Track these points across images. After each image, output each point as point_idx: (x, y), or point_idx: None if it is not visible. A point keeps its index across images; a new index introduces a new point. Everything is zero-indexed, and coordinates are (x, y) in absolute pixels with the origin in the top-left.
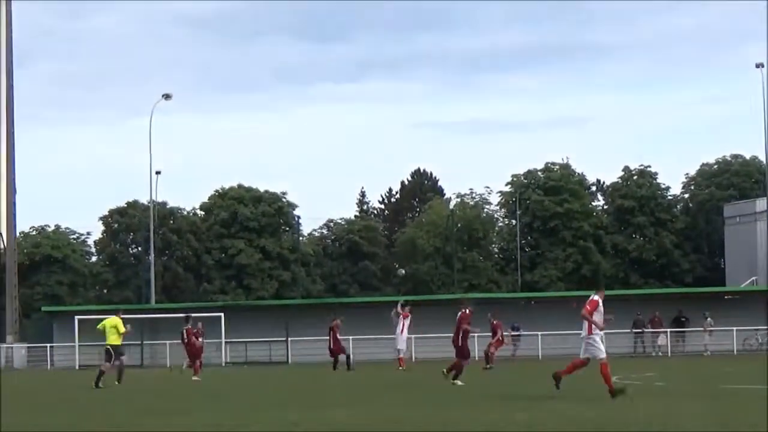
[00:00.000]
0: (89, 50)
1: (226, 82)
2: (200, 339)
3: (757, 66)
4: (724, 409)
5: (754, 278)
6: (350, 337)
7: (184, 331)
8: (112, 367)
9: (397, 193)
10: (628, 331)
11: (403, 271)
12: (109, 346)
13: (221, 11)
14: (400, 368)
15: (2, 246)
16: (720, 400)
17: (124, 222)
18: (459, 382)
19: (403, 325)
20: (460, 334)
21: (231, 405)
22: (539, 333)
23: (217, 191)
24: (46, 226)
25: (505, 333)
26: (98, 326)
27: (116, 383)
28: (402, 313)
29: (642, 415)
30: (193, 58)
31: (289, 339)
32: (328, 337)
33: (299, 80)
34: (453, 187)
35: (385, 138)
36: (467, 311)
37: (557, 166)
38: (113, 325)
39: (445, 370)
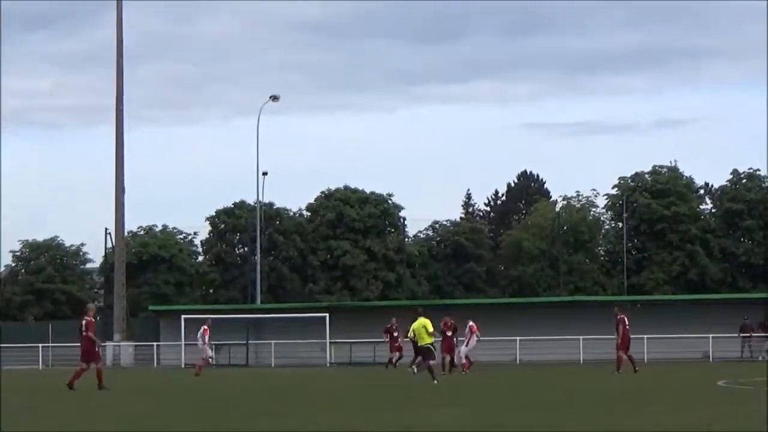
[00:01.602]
0: (197, 53)
1: (335, 83)
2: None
3: None
4: None
5: None
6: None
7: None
8: (425, 364)
9: (503, 195)
10: (736, 335)
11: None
12: (426, 345)
13: (328, 14)
14: (464, 372)
15: (111, 245)
16: None
17: (231, 222)
18: None
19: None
20: None
21: (341, 406)
22: (645, 336)
23: (323, 192)
24: (153, 225)
25: (611, 336)
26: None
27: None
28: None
29: (753, 420)
30: (300, 60)
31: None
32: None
33: (406, 81)
34: (559, 189)
35: (491, 139)
36: None
37: (665, 169)
38: (423, 325)
39: None
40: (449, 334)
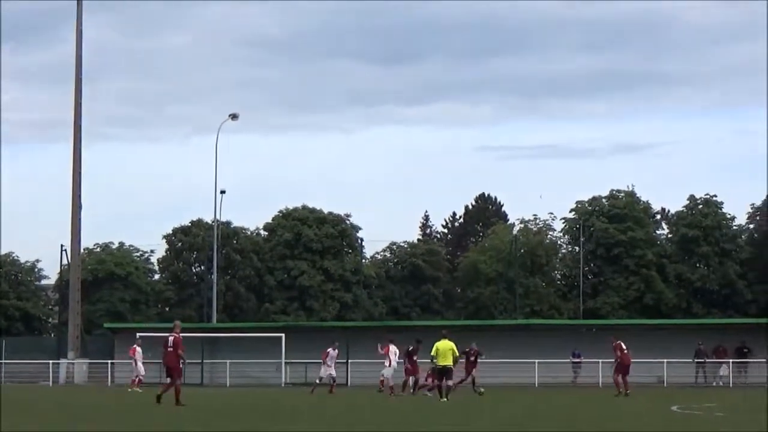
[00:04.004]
0: (157, 69)
1: (294, 103)
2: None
3: None
4: None
5: None
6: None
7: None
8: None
9: (460, 217)
10: (690, 360)
11: None
12: (444, 366)
13: (289, 33)
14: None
15: (66, 262)
16: None
17: (188, 240)
18: None
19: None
20: None
21: (296, 425)
22: (600, 360)
23: (281, 212)
24: (110, 243)
25: (566, 360)
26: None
27: (444, 400)
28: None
29: None
30: (261, 79)
31: (350, 361)
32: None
33: (366, 102)
34: (517, 212)
35: (450, 161)
36: None
37: (622, 194)
38: (451, 348)
39: None
40: (414, 357)
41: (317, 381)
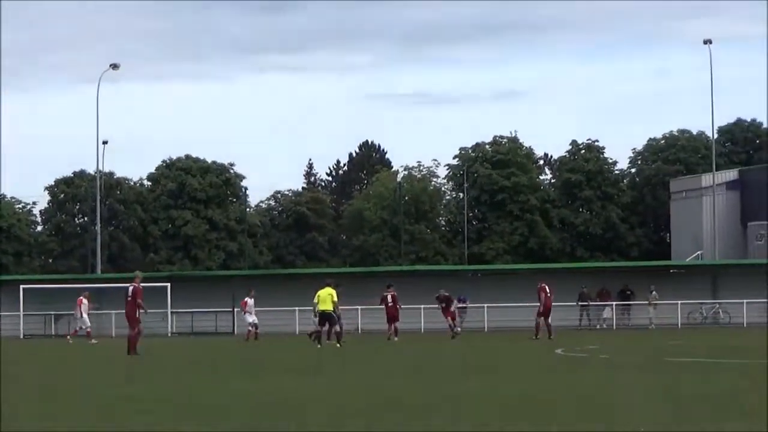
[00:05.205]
0: (37, 18)
1: (175, 52)
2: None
3: (705, 42)
4: (667, 381)
5: (699, 252)
6: (296, 308)
7: (389, 296)
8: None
9: (344, 165)
10: (574, 304)
11: None
12: (323, 311)
13: None
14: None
15: None
16: (663, 372)
17: (71, 192)
18: None
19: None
20: None
21: (180, 375)
22: (485, 305)
23: (164, 161)
24: None
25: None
26: (316, 298)
27: (338, 346)
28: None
29: (587, 386)
30: (142, 28)
31: (236, 310)
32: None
33: (248, 50)
34: (401, 159)
35: (333, 109)
36: None
37: (505, 140)
38: (329, 294)
39: None
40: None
41: (312, 335)
